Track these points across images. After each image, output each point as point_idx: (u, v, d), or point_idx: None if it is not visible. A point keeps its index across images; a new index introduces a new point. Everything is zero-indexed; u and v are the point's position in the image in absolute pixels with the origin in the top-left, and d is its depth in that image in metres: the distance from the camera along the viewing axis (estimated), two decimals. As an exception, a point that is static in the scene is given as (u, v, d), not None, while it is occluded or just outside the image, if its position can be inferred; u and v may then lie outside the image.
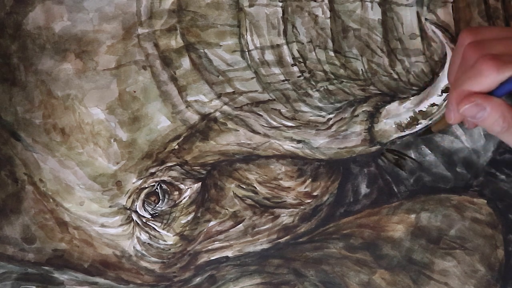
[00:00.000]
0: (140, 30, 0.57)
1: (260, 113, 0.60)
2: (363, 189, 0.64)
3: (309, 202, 0.65)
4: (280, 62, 0.57)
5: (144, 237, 0.63)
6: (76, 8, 0.58)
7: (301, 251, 0.65)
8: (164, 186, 0.62)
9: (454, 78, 0.47)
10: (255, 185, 0.64)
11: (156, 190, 0.62)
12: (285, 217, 0.65)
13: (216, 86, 0.58)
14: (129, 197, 0.62)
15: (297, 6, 0.55)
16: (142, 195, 0.62)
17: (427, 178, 0.63)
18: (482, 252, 0.62)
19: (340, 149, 0.61)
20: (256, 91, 0.59)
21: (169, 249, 0.64)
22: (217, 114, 0.60)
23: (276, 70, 0.57)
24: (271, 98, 0.59)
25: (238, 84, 0.58)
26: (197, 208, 0.64)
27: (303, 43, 0.56)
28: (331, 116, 0.60)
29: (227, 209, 0.64)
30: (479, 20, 0.54)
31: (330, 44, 0.56)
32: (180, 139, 0.60)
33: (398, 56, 0.55)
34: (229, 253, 0.65)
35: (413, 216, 0.63)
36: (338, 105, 0.60)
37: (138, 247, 0.64)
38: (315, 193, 0.64)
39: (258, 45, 0.56)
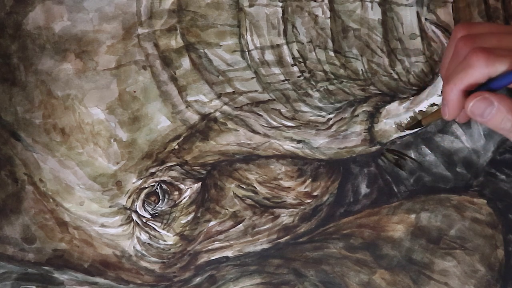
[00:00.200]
0: (140, 30, 0.57)
1: (260, 113, 0.60)
2: (363, 189, 0.64)
3: (309, 202, 0.65)
4: (280, 62, 0.57)
5: (144, 237, 0.63)
6: (76, 8, 0.58)
7: (301, 251, 0.65)
8: (164, 186, 0.62)
9: (446, 71, 0.47)
10: (255, 185, 0.64)
11: (156, 190, 0.62)
12: (285, 217, 0.65)
13: (216, 86, 0.58)
14: (129, 197, 0.62)
15: (297, 6, 0.55)
16: (142, 195, 0.62)
17: (427, 178, 0.63)
18: (482, 252, 0.62)
19: (340, 149, 0.61)
20: (256, 91, 0.59)
21: (169, 249, 0.64)
22: (217, 114, 0.60)
23: (276, 70, 0.57)
24: (271, 98, 0.59)
25: (238, 84, 0.58)
26: (197, 208, 0.63)
27: (303, 43, 0.56)
28: (331, 116, 0.60)
29: (227, 209, 0.64)
30: (479, 20, 0.54)
31: (330, 44, 0.56)
32: (180, 139, 0.60)
33: (398, 56, 0.55)
34: (229, 253, 0.65)
35: (413, 216, 0.63)
36: (338, 105, 0.60)
37: (138, 247, 0.64)
38: (315, 193, 0.64)
39: (258, 45, 0.56)
